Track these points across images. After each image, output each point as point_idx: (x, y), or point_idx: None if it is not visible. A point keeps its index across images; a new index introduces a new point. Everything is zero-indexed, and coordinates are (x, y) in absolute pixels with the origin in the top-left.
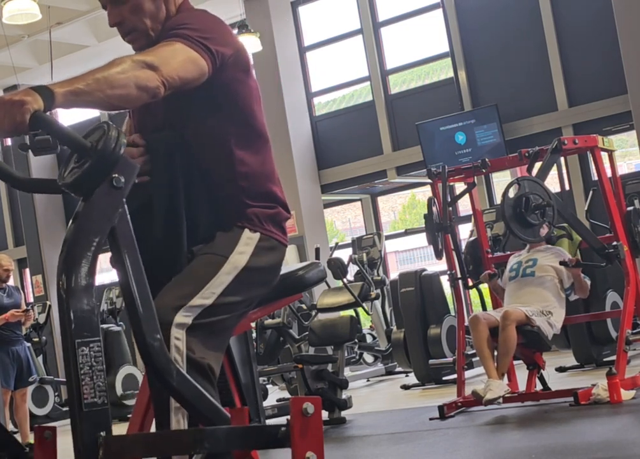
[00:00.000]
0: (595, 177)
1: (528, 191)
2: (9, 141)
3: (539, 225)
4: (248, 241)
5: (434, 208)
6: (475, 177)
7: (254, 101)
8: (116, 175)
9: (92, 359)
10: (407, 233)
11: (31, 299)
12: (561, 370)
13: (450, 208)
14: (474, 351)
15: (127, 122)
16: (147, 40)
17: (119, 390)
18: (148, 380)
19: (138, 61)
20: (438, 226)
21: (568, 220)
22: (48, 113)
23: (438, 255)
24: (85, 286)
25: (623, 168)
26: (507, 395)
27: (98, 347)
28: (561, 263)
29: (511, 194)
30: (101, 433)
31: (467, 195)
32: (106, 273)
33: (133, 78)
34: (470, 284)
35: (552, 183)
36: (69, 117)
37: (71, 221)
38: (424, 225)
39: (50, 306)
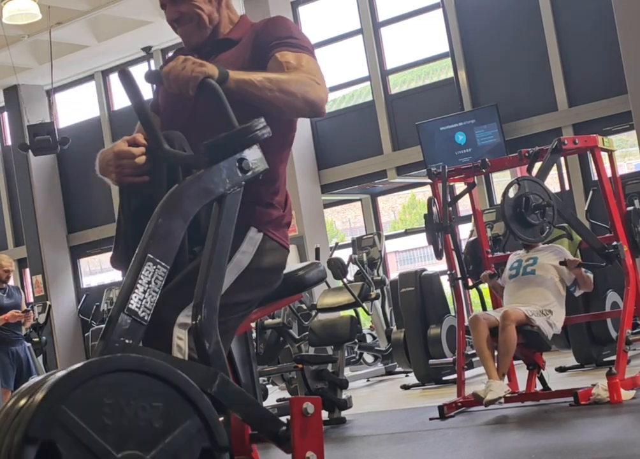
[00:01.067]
0: (595, 177)
1: (528, 191)
2: (9, 141)
3: (539, 225)
4: (251, 241)
5: (434, 208)
6: (475, 177)
7: None
8: (247, 159)
9: (154, 279)
10: (407, 233)
11: (31, 299)
12: (561, 370)
13: (450, 208)
14: (474, 351)
15: (139, 126)
16: (201, 36)
17: None
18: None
19: (310, 76)
20: (438, 226)
21: (568, 220)
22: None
23: (438, 255)
24: (182, 220)
25: (623, 168)
26: (507, 395)
27: (164, 273)
28: (561, 263)
29: (511, 194)
30: (127, 341)
31: (467, 195)
32: (106, 273)
33: (303, 91)
34: (470, 283)
35: (552, 183)
36: (68, 117)
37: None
38: (424, 226)
39: (50, 306)
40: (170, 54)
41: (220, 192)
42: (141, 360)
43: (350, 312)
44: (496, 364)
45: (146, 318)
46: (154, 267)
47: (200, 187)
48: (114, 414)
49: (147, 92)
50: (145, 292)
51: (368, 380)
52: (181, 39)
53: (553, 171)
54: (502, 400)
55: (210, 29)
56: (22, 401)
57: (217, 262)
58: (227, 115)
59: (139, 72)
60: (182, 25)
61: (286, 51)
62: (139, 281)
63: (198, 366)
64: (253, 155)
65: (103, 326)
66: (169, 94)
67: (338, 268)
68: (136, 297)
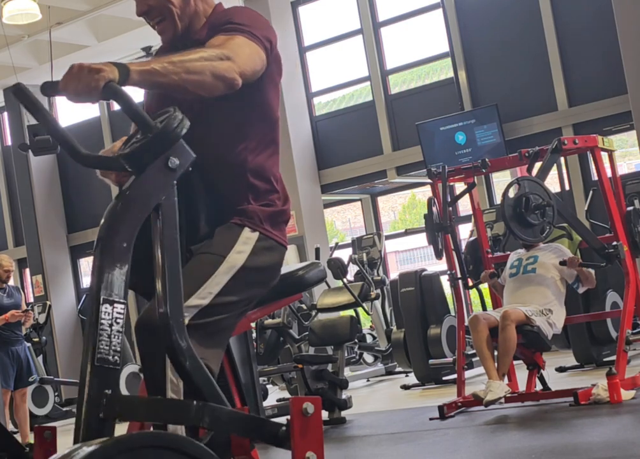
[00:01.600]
0: (595, 177)
1: (528, 191)
2: (9, 141)
3: (539, 225)
4: (246, 241)
5: (434, 208)
6: (475, 177)
7: (278, 104)
8: (172, 157)
9: (114, 320)
10: (407, 232)
11: (31, 299)
12: (561, 370)
13: (450, 208)
14: (474, 351)
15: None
16: (175, 31)
17: (123, 389)
18: (144, 375)
19: (217, 52)
20: (438, 226)
21: (568, 220)
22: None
23: (438, 255)
24: (123, 250)
25: (623, 168)
26: (507, 395)
27: (122, 310)
28: (561, 263)
29: (511, 194)
30: (107, 391)
31: (467, 195)
32: None
33: (210, 67)
34: (470, 284)
35: (552, 183)
36: (68, 117)
37: (114, 199)
38: (424, 226)
39: (50, 306)
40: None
41: (155, 202)
42: (156, 436)
43: (350, 312)
44: (496, 364)
45: (118, 361)
46: (111, 307)
47: (132, 207)
48: None
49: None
50: (109, 336)
51: (368, 380)
52: (159, 35)
53: (553, 171)
54: (502, 400)
55: (185, 22)
56: None
57: (171, 277)
58: (139, 117)
59: None
60: (152, 19)
61: (221, 35)
62: (101, 326)
63: (186, 405)
64: (177, 150)
65: None
66: (153, 96)
67: (338, 268)
68: (102, 344)
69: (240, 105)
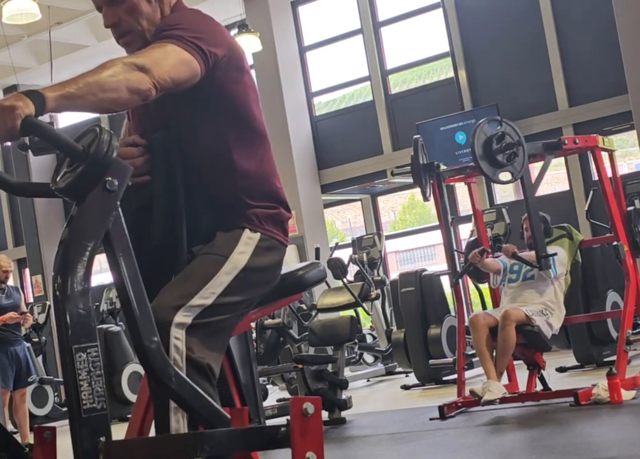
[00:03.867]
0: (595, 177)
1: (507, 131)
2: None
3: (505, 167)
4: (248, 241)
5: (420, 150)
6: (475, 177)
7: (251, 100)
8: (110, 178)
9: (90, 365)
10: (394, 174)
11: (31, 300)
12: (561, 370)
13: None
14: (474, 351)
15: (126, 124)
16: (143, 42)
17: (126, 389)
18: (147, 381)
19: (129, 63)
20: (425, 167)
21: (526, 201)
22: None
23: (425, 198)
24: (81, 291)
25: (623, 168)
26: (507, 395)
27: (96, 352)
28: (497, 248)
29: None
30: (101, 439)
31: (467, 195)
32: (106, 273)
33: (124, 81)
34: (470, 284)
35: (553, 183)
36: (68, 117)
37: (65, 225)
38: (422, 225)
39: (49, 306)
40: None
41: (103, 231)
42: None
43: (350, 312)
44: (494, 363)
45: (105, 406)
46: (85, 354)
47: (82, 243)
48: None
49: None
50: (90, 382)
51: (368, 381)
52: (124, 48)
53: (554, 171)
54: (497, 401)
55: (152, 30)
56: None
57: (138, 301)
58: (65, 145)
59: None
60: (122, 35)
61: (152, 45)
62: (80, 376)
63: (182, 438)
64: (113, 170)
65: (102, 326)
66: (133, 110)
67: (338, 268)
68: (85, 394)
69: (213, 111)
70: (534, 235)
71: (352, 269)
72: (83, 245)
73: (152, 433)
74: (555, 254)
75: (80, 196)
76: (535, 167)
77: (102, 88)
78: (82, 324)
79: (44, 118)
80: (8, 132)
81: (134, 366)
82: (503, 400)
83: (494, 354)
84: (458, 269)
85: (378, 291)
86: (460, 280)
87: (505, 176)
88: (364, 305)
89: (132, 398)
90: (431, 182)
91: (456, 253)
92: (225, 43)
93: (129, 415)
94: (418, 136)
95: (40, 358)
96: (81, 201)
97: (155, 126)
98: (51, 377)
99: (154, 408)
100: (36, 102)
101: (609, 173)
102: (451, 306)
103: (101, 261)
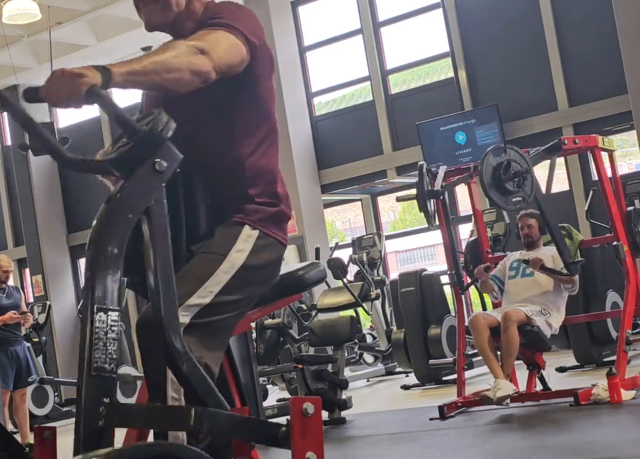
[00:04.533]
0: (595, 177)
1: (512, 158)
2: (8, 141)
3: (514, 194)
4: (247, 239)
5: (425, 175)
6: (475, 177)
7: (272, 99)
8: (159, 160)
9: (108, 327)
10: (399, 200)
11: (31, 299)
12: (561, 370)
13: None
14: (474, 351)
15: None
16: (163, 17)
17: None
18: (145, 375)
19: (191, 46)
20: (430, 193)
21: (541, 210)
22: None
23: (430, 223)
24: (114, 256)
25: (623, 168)
26: (514, 394)
27: (116, 317)
28: (523, 262)
29: (494, 161)
30: (105, 399)
31: (467, 195)
32: None
33: (187, 63)
34: (470, 281)
35: (553, 183)
36: (68, 117)
37: (104, 203)
38: (422, 225)
39: (49, 306)
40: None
41: (144, 206)
42: (158, 447)
43: (350, 312)
44: (500, 364)
45: (115, 369)
46: (106, 315)
47: (122, 212)
48: None
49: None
50: (105, 344)
51: (368, 381)
52: (143, 19)
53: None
54: (509, 400)
55: (175, 12)
56: None
57: (164, 281)
58: (123, 120)
59: None
60: (147, 4)
61: (202, 30)
62: (96, 335)
63: (184, 411)
64: (164, 152)
65: None
66: (150, 96)
67: (338, 268)
68: (98, 353)
69: (232, 103)
70: (558, 246)
71: (352, 269)
72: (124, 215)
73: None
74: (582, 261)
75: (129, 169)
76: (539, 166)
77: (167, 68)
78: (108, 287)
79: (45, 117)
80: (73, 96)
81: (128, 369)
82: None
83: (497, 353)
84: (459, 270)
85: (378, 291)
86: (457, 284)
87: (516, 202)
88: (364, 305)
89: (123, 400)
90: (436, 207)
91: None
92: (262, 34)
93: None
94: (423, 162)
95: (40, 358)
96: (129, 175)
97: (173, 117)
98: (52, 377)
99: (149, 390)
100: (103, 75)
101: (609, 173)
102: (451, 306)
103: None
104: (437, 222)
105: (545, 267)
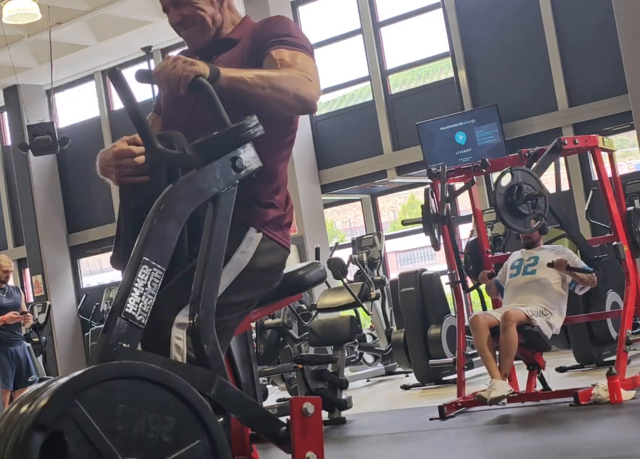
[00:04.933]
0: (595, 177)
1: (521, 181)
2: (8, 141)
3: (530, 216)
4: (250, 241)
5: (431, 199)
6: (475, 177)
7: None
8: (241, 158)
9: (149, 282)
10: (404, 223)
11: (31, 299)
12: (561, 370)
13: (449, 205)
14: (474, 351)
15: (151, 117)
16: (203, 38)
17: None
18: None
19: (304, 75)
20: (436, 217)
21: (559, 219)
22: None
23: (436, 247)
24: (176, 223)
25: (623, 168)
26: (510, 395)
27: (160, 276)
28: (549, 265)
29: (503, 183)
30: (125, 344)
31: (467, 195)
32: (106, 273)
33: (295, 88)
34: (471, 285)
35: (553, 183)
36: (68, 117)
37: (181, 176)
38: (422, 226)
39: (50, 306)
40: (172, 54)
41: (214, 192)
42: (160, 373)
43: (350, 312)
44: (497, 364)
45: (143, 321)
46: (150, 270)
47: (193, 187)
48: (126, 420)
49: (142, 91)
50: (141, 295)
51: (368, 381)
52: (186, 41)
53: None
54: (505, 400)
55: (214, 30)
56: (25, 406)
57: (212, 262)
58: (220, 113)
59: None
60: (185, 28)
61: (282, 49)
62: (136, 284)
63: (196, 370)
64: (246, 154)
65: (103, 326)
66: (170, 95)
67: (338, 268)
68: (132, 300)
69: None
70: (580, 247)
71: (352, 269)
72: (196, 191)
73: None
74: (606, 256)
75: (207, 158)
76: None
77: (273, 85)
78: (162, 246)
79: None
80: (180, 78)
81: None
82: (506, 400)
83: (496, 353)
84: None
85: (378, 290)
86: (460, 284)
87: (534, 223)
88: (364, 305)
89: None
90: (442, 230)
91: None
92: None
93: None
94: (428, 186)
95: (40, 358)
96: (206, 162)
97: (185, 121)
98: (52, 377)
99: None
100: (212, 71)
101: (609, 173)
102: (451, 306)
103: (101, 261)
104: (443, 246)
105: (571, 267)
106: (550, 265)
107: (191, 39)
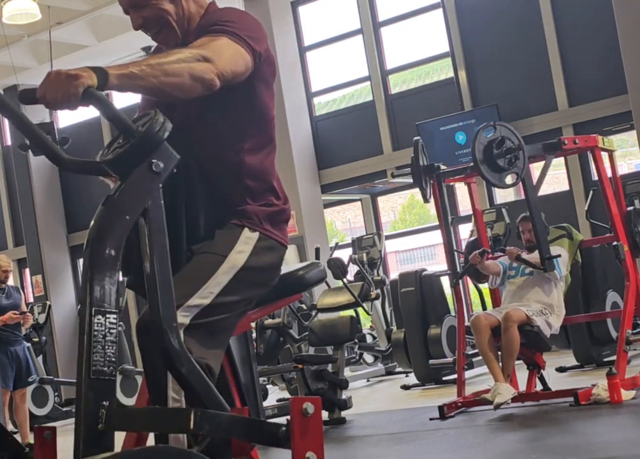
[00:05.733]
0: (595, 177)
1: (503, 135)
2: (8, 141)
3: (507, 172)
4: (247, 241)
5: (421, 153)
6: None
7: (273, 105)
8: (156, 160)
9: (107, 330)
10: (394, 176)
11: (31, 299)
12: (561, 370)
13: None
14: (474, 351)
15: None
16: (176, 38)
17: (118, 390)
18: (145, 376)
19: (195, 53)
20: (425, 168)
21: (528, 201)
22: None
23: (426, 198)
24: (111, 259)
25: (623, 168)
26: (513, 396)
27: (114, 320)
28: (501, 251)
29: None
30: (104, 403)
31: (467, 195)
32: None
33: (188, 69)
34: (470, 284)
35: (552, 183)
36: (68, 117)
37: (101, 205)
38: (422, 225)
39: (49, 306)
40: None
41: (142, 208)
42: (158, 451)
43: (350, 312)
44: (500, 365)
45: (113, 372)
46: (103, 318)
47: (119, 213)
48: None
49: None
50: (103, 347)
51: (368, 381)
52: (159, 44)
53: (554, 171)
54: (509, 401)
55: (184, 27)
56: None
57: (162, 282)
58: (120, 122)
59: None
60: (151, 30)
61: (207, 36)
62: (95, 339)
63: (184, 414)
64: (161, 153)
65: None
66: (148, 99)
67: (338, 268)
68: (97, 356)
69: (234, 106)
70: (537, 236)
71: (352, 269)
72: (121, 216)
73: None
74: (559, 256)
75: (125, 170)
76: (534, 167)
77: (165, 72)
78: (106, 290)
79: (45, 117)
80: (69, 98)
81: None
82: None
83: (498, 354)
84: (458, 269)
85: (378, 290)
86: (460, 280)
87: (509, 179)
88: (364, 305)
89: (124, 400)
90: (432, 182)
91: (455, 253)
92: (266, 42)
93: None
94: (418, 137)
95: (40, 358)
96: (126, 176)
97: (174, 119)
98: (52, 377)
99: (150, 391)
100: (100, 77)
101: (609, 173)
102: (451, 306)
103: None
104: (432, 198)
105: (521, 257)
106: (502, 251)
107: (166, 44)
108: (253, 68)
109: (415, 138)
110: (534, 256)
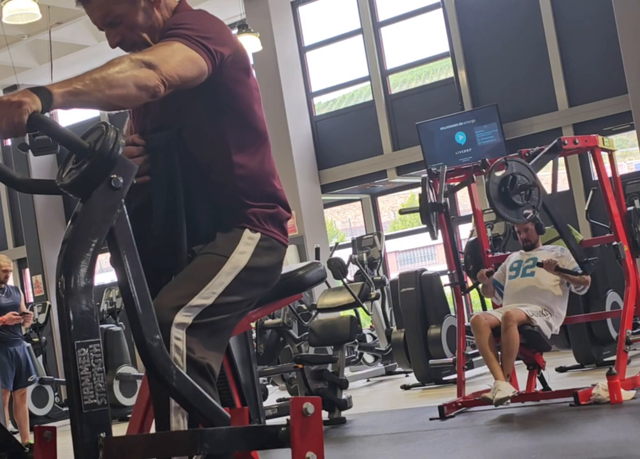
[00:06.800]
0: (595, 177)
1: (515, 171)
2: (9, 141)
3: (524, 207)
4: (248, 241)
5: (429, 189)
6: (475, 176)
7: (254, 101)
8: (115, 176)
9: (92, 361)
10: (402, 212)
11: (31, 299)
12: (561, 370)
13: (447, 198)
14: (474, 351)
15: (128, 123)
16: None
17: (117, 391)
18: (148, 380)
19: (137, 60)
20: (433, 206)
21: (552, 217)
22: (47, 114)
23: (433, 235)
24: (84, 287)
25: (623, 168)
26: (514, 395)
27: (98, 349)
28: (538, 265)
29: (498, 174)
30: (101, 435)
31: (467, 195)
32: (106, 273)
33: (132, 78)
34: (470, 284)
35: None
36: (69, 117)
37: (69, 222)
38: (422, 225)
39: (49, 306)
40: None
41: (107, 229)
42: None
43: (350, 312)
44: (500, 364)
45: (105, 402)
46: (87, 349)
47: (85, 240)
48: None
49: None
50: (91, 379)
51: (368, 380)
52: None
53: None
54: (510, 400)
55: (155, 36)
56: None
57: (141, 301)
58: (70, 143)
59: None
60: (128, 48)
61: (157, 43)
62: (81, 373)
63: (182, 437)
64: (118, 168)
65: (103, 326)
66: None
67: (338, 268)
68: (86, 390)
69: (217, 111)
70: (571, 248)
71: (352, 269)
72: (87, 241)
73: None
74: (596, 258)
75: (85, 192)
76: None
77: (110, 84)
78: (85, 320)
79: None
80: (15, 127)
81: (128, 369)
82: (510, 400)
83: (498, 354)
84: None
85: (378, 290)
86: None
87: (527, 214)
88: (364, 305)
89: (123, 400)
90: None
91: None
92: (231, 43)
93: (129, 415)
94: (426, 176)
95: (40, 358)
96: (86, 198)
97: (156, 126)
98: (51, 377)
99: (154, 409)
100: (43, 99)
101: (609, 173)
102: (451, 306)
103: (101, 260)
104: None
105: (560, 268)
106: (540, 265)
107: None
108: (213, 71)
109: (423, 176)
110: (531, 254)
